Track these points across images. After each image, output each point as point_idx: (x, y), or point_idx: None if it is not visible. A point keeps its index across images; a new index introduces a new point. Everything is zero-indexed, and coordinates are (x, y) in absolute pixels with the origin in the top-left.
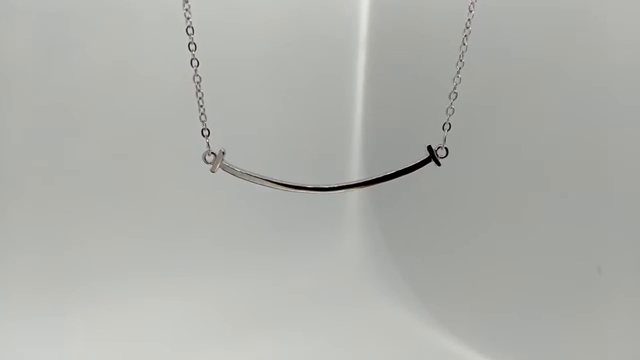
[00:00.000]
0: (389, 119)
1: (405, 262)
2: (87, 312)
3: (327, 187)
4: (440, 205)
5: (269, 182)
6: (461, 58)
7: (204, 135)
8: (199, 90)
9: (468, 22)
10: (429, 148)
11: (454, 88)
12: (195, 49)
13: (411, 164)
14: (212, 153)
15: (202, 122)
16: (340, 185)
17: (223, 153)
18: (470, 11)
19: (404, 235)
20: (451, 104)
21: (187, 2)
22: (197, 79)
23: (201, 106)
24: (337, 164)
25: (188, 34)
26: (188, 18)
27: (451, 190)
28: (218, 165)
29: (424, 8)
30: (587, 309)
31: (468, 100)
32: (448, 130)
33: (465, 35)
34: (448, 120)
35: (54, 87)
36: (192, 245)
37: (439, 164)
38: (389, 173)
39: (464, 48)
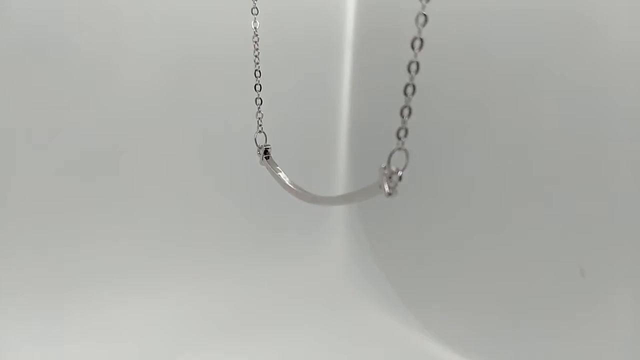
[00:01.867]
0: (375, 119)
1: (390, 266)
2: (85, 313)
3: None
4: (425, 211)
5: (290, 189)
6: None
7: (260, 132)
8: (258, 92)
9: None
10: (385, 171)
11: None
12: (258, 54)
13: (360, 190)
14: (265, 148)
15: (258, 119)
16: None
17: (268, 149)
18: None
19: (389, 240)
20: (405, 121)
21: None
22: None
23: (259, 105)
24: (323, 163)
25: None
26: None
27: (436, 196)
28: (261, 160)
29: (410, 9)
30: (570, 311)
31: (454, 102)
32: (401, 147)
33: (418, 40)
34: (401, 133)
35: (51, 87)
36: (183, 248)
37: (388, 194)
38: (338, 196)
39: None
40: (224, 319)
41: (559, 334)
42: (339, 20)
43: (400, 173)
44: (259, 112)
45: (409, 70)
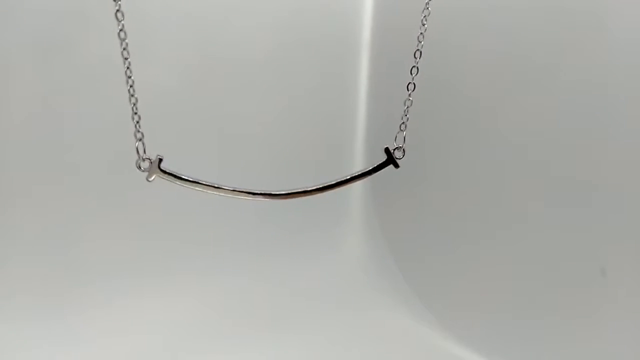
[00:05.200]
0: (392, 119)
1: (407, 264)
2: (88, 313)
3: (276, 193)
4: (442, 208)
5: (212, 188)
6: (416, 63)
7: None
8: (132, 96)
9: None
10: (387, 150)
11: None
12: (126, 41)
13: (369, 168)
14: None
15: (135, 122)
16: (291, 191)
17: (160, 160)
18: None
19: (406, 237)
20: (407, 108)
21: None
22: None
23: (135, 112)
24: (340, 164)
25: None
26: None
27: (453, 192)
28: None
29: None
30: (590, 311)
31: (470, 101)
32: (404, 131)
33: (421, 33)
34: (405, 120)
35: (54, 87)
36: (193, 246)
37: (397, 166)
38: (344, 179)
39: (420, 46)
40: (237, 320)
41: (580, 334)
42: (355, 19)
43: (402, 146)
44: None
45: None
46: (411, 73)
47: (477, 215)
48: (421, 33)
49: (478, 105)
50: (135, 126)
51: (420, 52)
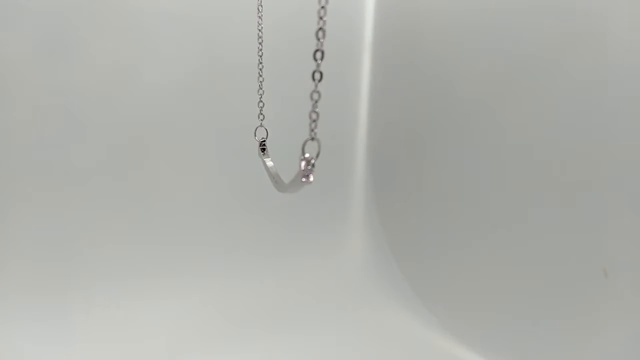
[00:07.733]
0: (393, 118)
1: (408, 265)
2: (89, 313)
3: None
4: (443, 209)
5: (274, 181)
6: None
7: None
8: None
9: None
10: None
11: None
12: (262, 51)
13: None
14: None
15: (259, 107)
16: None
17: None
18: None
19: (407, 238)
20: (314, 108)
21: None
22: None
23: (261, 86)
24: (342, 163)
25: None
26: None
27: (454, 193)
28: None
29: (428, 10)
30: (590, 311)
31: (471, 102)
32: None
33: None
34: (314, 127)
35: (56, 88)
36: (194, 247)
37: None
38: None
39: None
40: (238, 320)
41: (581, 334)
42: (358, 21)
43: (313, 161)
44: (261, 101)
45: (313, 79)
46: (313, 79)
47: (477, 215)
48: (320, 28)
49: (478, 106)
50: (259, 117)
51: (322, 53)
